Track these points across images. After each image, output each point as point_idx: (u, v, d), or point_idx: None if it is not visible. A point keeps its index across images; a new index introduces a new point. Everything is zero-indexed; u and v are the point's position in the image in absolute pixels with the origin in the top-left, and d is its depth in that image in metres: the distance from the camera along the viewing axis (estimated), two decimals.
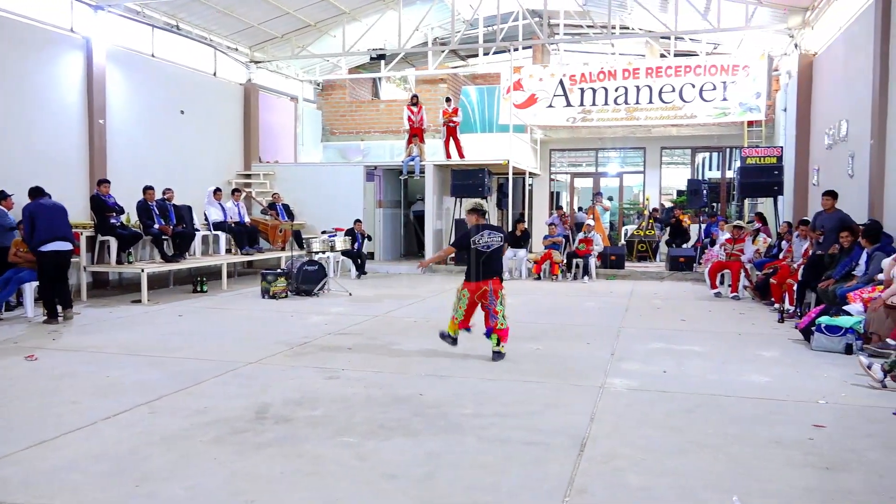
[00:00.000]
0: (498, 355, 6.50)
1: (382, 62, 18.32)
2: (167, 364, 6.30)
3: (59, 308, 8.60)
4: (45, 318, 8.51)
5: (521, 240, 14.19)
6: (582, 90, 15.59)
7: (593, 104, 15.53)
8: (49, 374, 5.97)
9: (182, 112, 14.09)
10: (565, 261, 13.85)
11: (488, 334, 6.57)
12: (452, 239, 14.89)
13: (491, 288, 6.52)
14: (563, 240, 14.59)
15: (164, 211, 11.69)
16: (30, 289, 9.00)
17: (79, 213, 11.16)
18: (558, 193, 21.41)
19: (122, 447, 4.14)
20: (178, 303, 10.34)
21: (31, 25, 10.77)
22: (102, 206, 10.69)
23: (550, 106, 15.79)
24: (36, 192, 8.70)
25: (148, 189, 11.43)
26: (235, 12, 14.19)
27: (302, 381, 5.70)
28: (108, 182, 10.87)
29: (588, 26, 17.28)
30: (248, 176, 16.14)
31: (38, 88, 10.92)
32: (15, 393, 5.38)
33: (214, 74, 15.28)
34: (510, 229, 14.58)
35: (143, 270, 10.46)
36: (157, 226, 11.34)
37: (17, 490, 3.51)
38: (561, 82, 15.73)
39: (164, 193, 11.94)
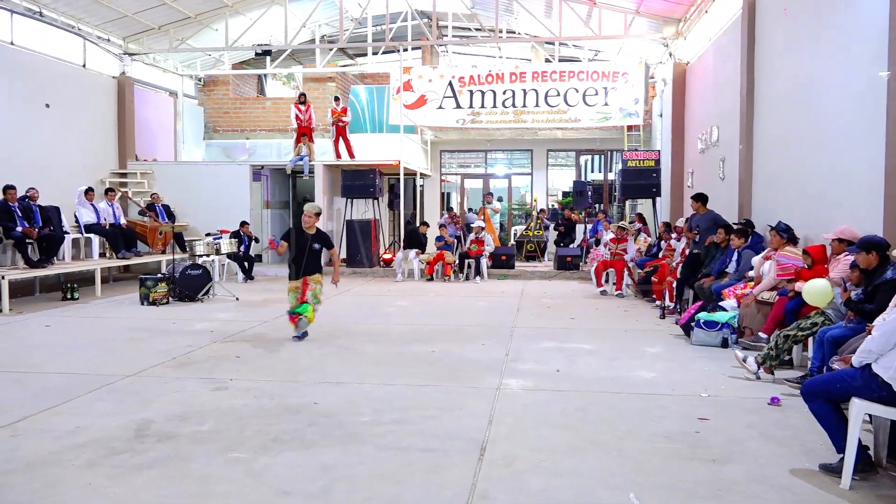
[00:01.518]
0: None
1: (268, 59, 17.75)
2: (32, 381, 5.76)
3: None
4: None
5: (415, 241, 14.16)
6: (471, 92, 15.76)
7: (482, 106, 15.73)
8: None
9: (47, 106, 13.03)
10: (457, 261, 13.94)
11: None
12: (344, 239, 14.66)
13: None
14: (455, 240, 14.68)
15: (28, 212, 10.74)
16: None
17: None
18: (449, 194, 21.60)
19: None
20: (44, 312, 9.54)
21: None
22: None
23: (440, 107, 15.86)
24: None
25: (9, 188, 10.46)
26: (107, 0, 13.28)
27: (186, 394, 5.36)
28: None
29: (476, 29, 17.49)
30: (124, 175, 15.16)
31: None
32: None
33: (84, 66, 14.23)
34: (405, 230, 14.55)
35: (3, 277, 9.56)
36: (19, 228, 10.42)
37: None
38: (450, 84, 15.84)
39: (27, 193, 10.98)
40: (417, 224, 14.93)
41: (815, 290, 5.55)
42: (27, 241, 10.54)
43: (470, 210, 18.63)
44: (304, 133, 14.86)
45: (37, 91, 12.78)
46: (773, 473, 3.82)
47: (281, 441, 4.31)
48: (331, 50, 17.63)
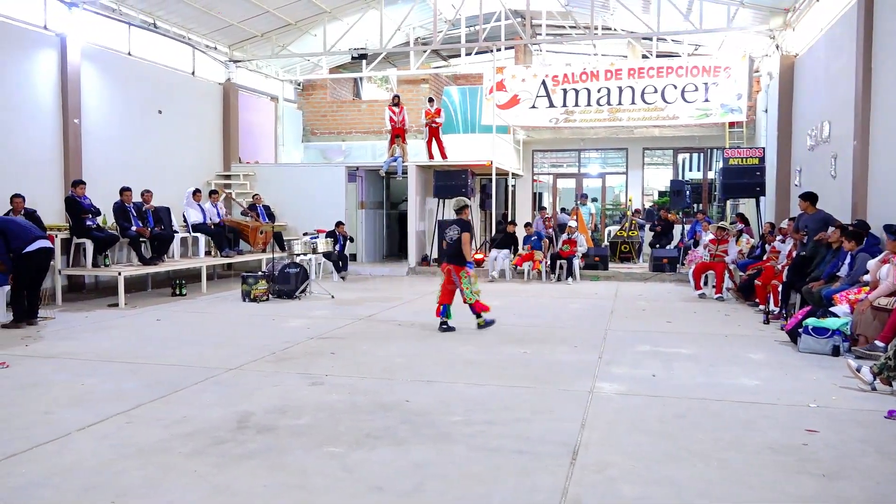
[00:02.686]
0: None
1: (364, 62, 18.16)
2: (144, 371, 6.11)
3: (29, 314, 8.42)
4: (12, 322, 8.28)
5: (508, 240, 14.11)
6: (564, 91, 15.57)
7: (576, 105, 15.52)
8: (20, 382, 5.77)
9: (160, 112, 13.84)
10: (548, 262, 13.79)
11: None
12: (435, 239, 14.80)
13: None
14: (548, 241, 14.50)
15: (142, 213, 11.45)
16: (1, 293, 8.74)
17: (53, 215, 10.90)
18: (541, 194, 21.40)
19: (96, 460, 3.97)
20: (156, 306, 10.12)
21: (2, 23, 10.49)
22: (78, 208, 10.43)
23: (533, 107, 15.77)
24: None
25: (125, 190, 11.19)
26: (214, 10, 13.96)
27: (284, 388, 5.55)
28: (84, 183, 10.61)
29: (570, 27, 17.27)
30: (228, 177, 15.90)
31: (11, 88, 10.64)
32: None
33: (193, 73, 15.03)
34: (498, 230, 14.53)
35: (119, 273, 10.22)
36: (134, 228, 11.11)
37: None
38: (543, 83, 15.71)
39: (141, 195, 11.70)
40: (498, 223, 14.87)
41: None
42: (141, 239, 11.23)
43: (563, 210, 18.39)
44: (398, 134, 15.10)
45: (151, 98, 13.58)
46: (892, 492, 3.55)
47: (374, 437, 4.38)
48: (424, 52, 17.83)
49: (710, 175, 18.78)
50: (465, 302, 8.07)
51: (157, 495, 3.52)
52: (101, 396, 5.29)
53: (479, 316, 8.13)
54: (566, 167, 20.92)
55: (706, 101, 14.65)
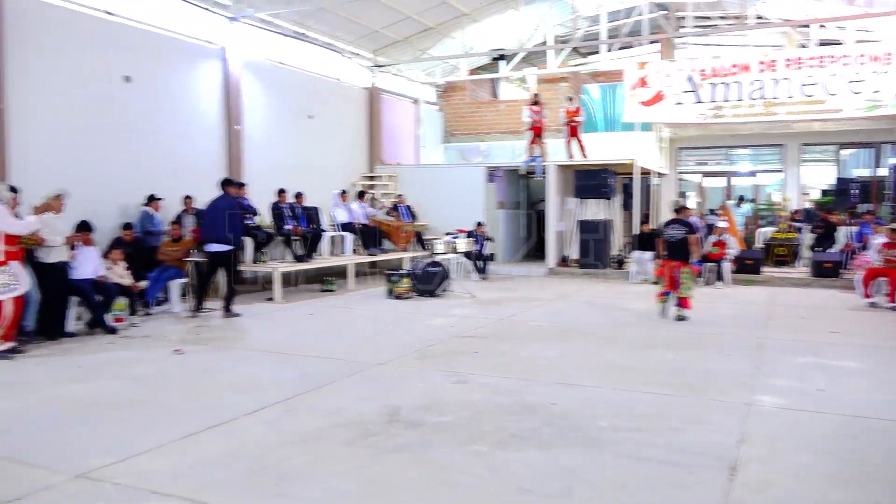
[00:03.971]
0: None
1: (502, 62, 18.21)
2: (300, 362, 6.47)
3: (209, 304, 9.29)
4: (192, 311, 9.06)
5: (650, 242, 13.62)
6: (713, 85, 14.78)
7: (725, 100, 14.68)
8: (193, 368, 6.30)
9: (310, 117, 14.60)
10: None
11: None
12: (575, 239, 14.58)
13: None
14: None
15: (295, 212, 12.13)
16: (176, 286, 9.57)
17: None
18: (685, 193, 20.47)
19: (261, 445, 4.25)
20: (307, 302, 10.68)
21: (173, 38, 11.47)
22: (239, 209, 11.21)
23: (679, 103, 15.09)
24: (223, 184, 9.44)
25: (281, 192, 11.90)
26: (359, 18, 14.54)
27: (429, 385, 5.67)
28: (245, 185, 11.40)
29: (720, 17, 16.40)
30: (372, 178, 16.51)
31: (181, 98, 11.62)
32: (162, 385, 5.70)
33: (339, 80, 15.73)
34: (637, 231, 14.09)
35: (275, 269, 10.88)
36: (288, 227, 11.79)
37: (169, 482, 3.66)
38: (690, 78, 14.99)
39: (295, 196, 12.39)
40: (641, 224, 14.35)
41: None
42: (294, 238, 11.89)
43: (711, 211, 17.49)
44: (538, 134, 15.00)
45: (302, 104, 14.37)
46: None
47: (519, 438, 4.37)
48: (563, 50, 17.60)
49: (881, 172, 17.12)
50: (678, 295, 8.82)
51: (316, 481, 3.71)
52: (263, 384, 5.66)
53: (681, 309, 8.81)
54: (713, 165, 19.87)
55: (876, 91, 13.37)
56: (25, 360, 6.56)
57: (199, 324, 8.66)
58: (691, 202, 19.78)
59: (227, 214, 9.14)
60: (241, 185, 11.33)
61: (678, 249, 8.81)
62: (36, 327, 7.56)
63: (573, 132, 15.07)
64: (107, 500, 3.45)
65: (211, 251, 9.13)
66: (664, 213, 17.76)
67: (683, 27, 16.64)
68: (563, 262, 15.12)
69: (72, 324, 7.90)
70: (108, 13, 10.32)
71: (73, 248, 7.88)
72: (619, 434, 4.45)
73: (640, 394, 5.43)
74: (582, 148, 15.02)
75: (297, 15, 13.60)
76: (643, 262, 13.38)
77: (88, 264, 8.09)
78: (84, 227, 8.20)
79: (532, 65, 20.49)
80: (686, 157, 19.67)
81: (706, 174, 20.07)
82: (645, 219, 14.52)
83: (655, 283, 12.91)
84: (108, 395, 5.36)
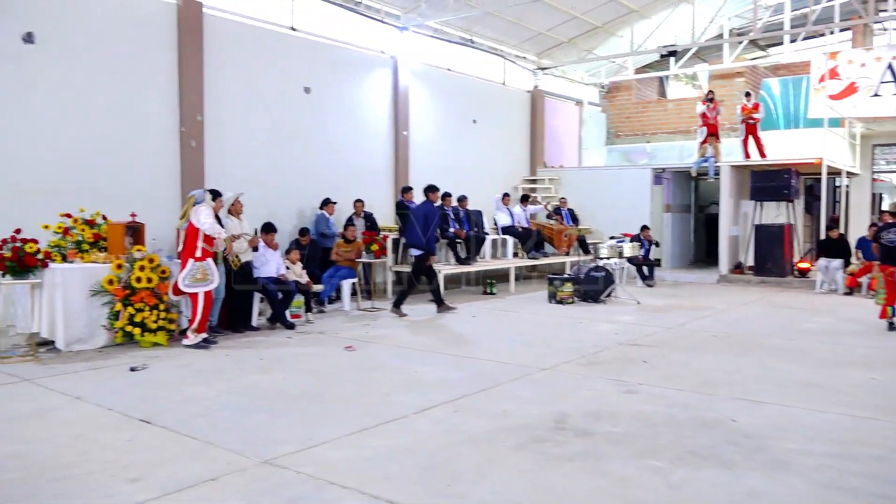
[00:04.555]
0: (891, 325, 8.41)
1: (671, 60, 17.41)
2: (465, 363, 6.53)
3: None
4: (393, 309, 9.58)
5: (837, 248, 12.41)
6: None
7: None
8: (363, 364, 6.55)
9: (474, 121, 14.80)
10: None
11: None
12: (751, 245, 13.63)
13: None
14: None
15: (458, 216, 12.32)
16: (347, 285, 10.05)
17: (386, 217, 12.25)
18: (881, 195, 18.46)
19: (431, 443, 4.30)
20: (470, 304, 10.80)
21: (348, 50, 12.08)
22: (406, 212, 11.58)
23: (876, 94, 13.69)
24: (426, 190, 9.84)
25: (446, 196, 12.13)
26: (525, 21, 14.52)
27: (597, 393, 5.49)
28: (411, 189, 11.75)
29: None
30: (534, 181, 16.43)
31: (354, 106, 12.21)
32: (335, 380, 5.97)
33: (503, 83, 15.80)
34: (822, 237, 12.90)
35: (439, 271, 11.10)
36: (452, 230, 12.00)
37: (346, 474, 3.80)
38: (890, 66, 13.56)
39: (458, 200, 12.60)
40: (827, 229, 13.06)
41: None
42: (457, 240, 12.08)
43: None
44: (712, 133, 14.19)
45: (466, 109, 14.60)
46: None
47: (699, 455, 4.10)
48: (740, 43, 16.52)
49: None
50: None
51: (486, 483, 3.69)
52: (431, 384, 5.76)
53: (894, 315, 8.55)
54: None
55: None
56: (216, 351, 7.15)
57: (367, 322, 9.02)
58: (885, 204, 17.84)
59: (424, 219, 9.52)
60: (408, 190, 11.71)
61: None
62: (224, 321, 8.20)
63: (751, 130, 14.09)
64: (290, 487, 3.64)
65: (414, 254, 9.58)
66: (856, 217, 16.16)
67: (883, 11, 15.00)
68: (737, 269, 14.17)
69: (255, 319, 8.53)
70: (293, 29, 11.08)
71: (255, 249, 8.48)
72: (812, 459, 4.04)
73: (836, 415, 4.91)
74: (760, 147, 14.00)
75: (464, 21, 13.83)
76: (830, 270, 12.21)
77: (271, 263, 8.69)
78: (268, 229, 8.82)
79: (703, 60, 19.44)
80: (882, 154, 17.72)
81: None
82: (833, 223, 13.25)
83: (849, 293, 11.78)
84: (287, 387, 5.70)
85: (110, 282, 7.09)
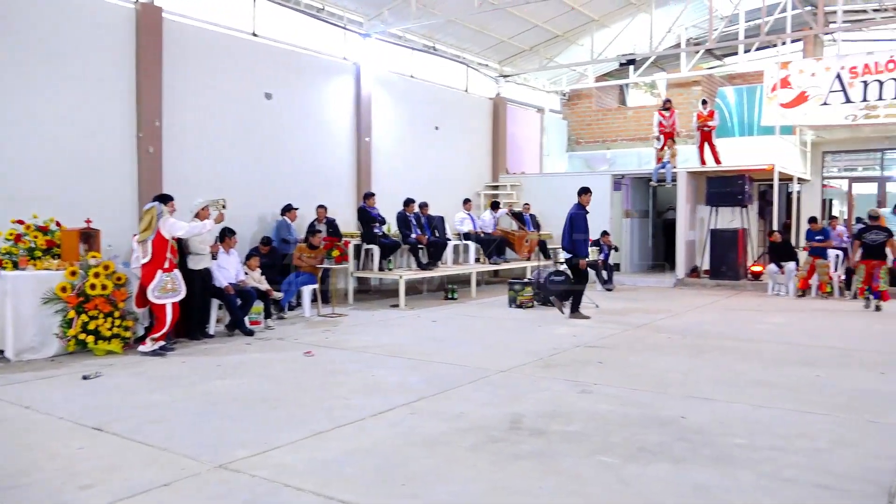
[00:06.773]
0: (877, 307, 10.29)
1: (631, 68, 17.75)
2: (424, 367, 6.57)
3: None
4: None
5: (780, 252, 12.78)
6: (865, 83, 13.70)
7: (879, 98, 13.57)
8: (323, 369, 6.54)
9: (437, 128, 14.89)
10: (843, 277, 12.19)
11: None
12: (707, 249, 13.92)
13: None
14: (842, 253, 12.83)
15: (420, 222, 12.37)
16: (307, 291, 10.01)
17: (348, 223, 12.24)
18: (831, 201, 19.02)
19: (388, 445, 4.33)
20: (431, 309, 10.84)
21: (310, 56, 12.07)
22: (368, 218, 11.60)
23: (825, 103, 14.10)
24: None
25: (409, 202, 12.19)
26: (487, 29, 14.68)
27: (553, 394, 5.58)
28: (374, 195, 11.77)
29: (874, 10, 15.17)
30: (496, 187, 16.57)
31: (316, 111, 12.19)
32: (294, 385, 5.96)
33: (466, 90, 15.93)
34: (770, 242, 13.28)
35: (401, 277, 11.14)
36: (414, 235, 12.04)
37: (302, 476, 3.80)
38: (839, 76, 13.97)
39: (420, 207, 12.64)
40: (768, 234, 13.47)
41: None
42: (419, 246, 12.13)
43: (858, 220, 16.13)
44: (669, 138, 14.50)
45: (429, 116, 14.68)
46: None
47: (649, 452, 4.20)
48: (697, 52, 16.92)
49: None
50: (875, 289, 10.43)
51: (441, 484, 3.73)
52: (389, 387, 5.79)
53: (879, 299, 10.36)
54: (863, 170, 18.33)
55: None
56: (173, 358, 7.07)
57: (328, 328, 9.00)
58: (835, 210, 18.41)
59: (569, 223, 10.11)
60: (370, 196, 11.73)
61: (878, 251, 10.48)
62: (180, 329, 8.07)
63: (706, 137, 14.44)
64: (244, 490, 3.63)
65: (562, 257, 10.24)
66: (806, 222, 16.61)
67: (832, 23, 15.51)
68: (694, 273, 14.48)
69: (213, 327, 8.45)
70: (254, 34, 11.04)
71: (213, 257, 8.41)
72: (758, 453, 4.17)
73: (781, 411, 5.07)
74: (715, 153, 14.36)
75: (427, 28, 13.92)
76: (787, 274, 12.54)
77: (230, 270, 8.62)
78: (226, 235, 8.73)
79: (662, 69, 19.84)
80: (832, 161, 18.29)
81: (854, 180, 18.55)
82: (785, 228, 13.63)
83: (801, 295, 12.13)
84: (244, 392, 5.67)
85: (63, 289, 6.97)
